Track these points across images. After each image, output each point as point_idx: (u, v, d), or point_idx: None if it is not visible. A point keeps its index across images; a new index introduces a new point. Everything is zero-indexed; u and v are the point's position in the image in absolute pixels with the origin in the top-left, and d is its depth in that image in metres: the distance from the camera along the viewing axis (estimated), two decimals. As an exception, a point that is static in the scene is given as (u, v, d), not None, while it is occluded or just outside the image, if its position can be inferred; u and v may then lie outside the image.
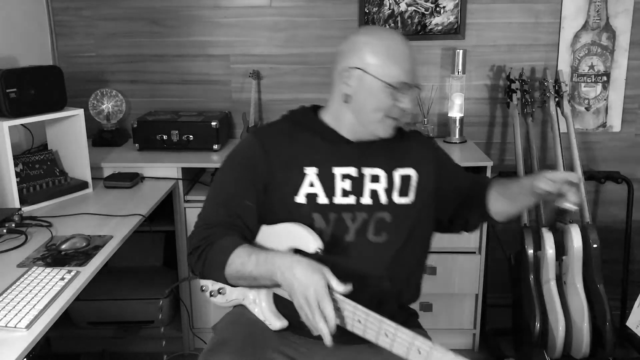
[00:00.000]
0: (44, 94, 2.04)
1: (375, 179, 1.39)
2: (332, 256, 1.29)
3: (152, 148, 2.54)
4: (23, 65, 2.24)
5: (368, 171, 1.39)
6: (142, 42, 2.75)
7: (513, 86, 2.59)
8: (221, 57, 2.76)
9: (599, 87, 2.71)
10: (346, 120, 1.39)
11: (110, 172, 2.33)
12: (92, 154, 2.29)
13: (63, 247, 1.66)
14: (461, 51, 2.60)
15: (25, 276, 1.48)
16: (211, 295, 1.53)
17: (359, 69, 1.33)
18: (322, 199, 1.35)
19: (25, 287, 1.42)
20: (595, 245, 2.37)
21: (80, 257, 1.62)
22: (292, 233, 1.33)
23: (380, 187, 1.39)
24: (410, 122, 2.77)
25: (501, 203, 1.44)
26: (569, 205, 1.24)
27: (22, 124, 2.13)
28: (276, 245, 1.33)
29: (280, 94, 2.76)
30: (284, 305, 1.41)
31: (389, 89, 1.31)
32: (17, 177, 1.98)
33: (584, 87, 2.72)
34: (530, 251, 2.43)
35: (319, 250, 1.28)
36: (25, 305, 1.34)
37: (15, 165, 2.01)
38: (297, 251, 1.30)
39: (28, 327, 1.26)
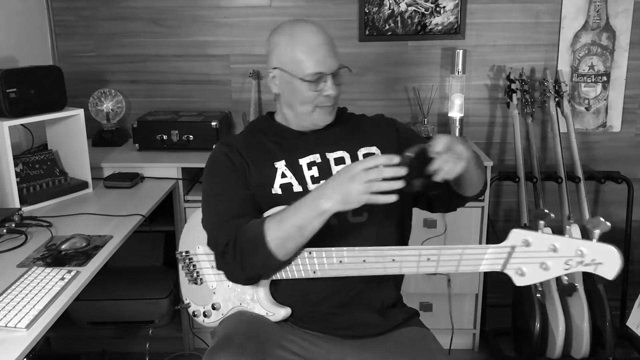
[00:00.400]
0: (44, 94, 2.04)
1: (340, 161, 1.43)
2: (317, 241, 1.28)
3: (152, 148, 2.54)
4: (23, 65, 2.24)
5: (331, 155, 1.44)
6: (142, 42, 2.75)
7: (513, 86, 2.59)
8: (221, 57, 2.76)
9: (599, 87, 2.71)
10: (289, 116, 1.46)
11: (110, 172, 2.34)
12: (92, 154, 2.29)
13: (63, 247, 1.66)
14: (461, 51, 2.60)
15: (25, 276, 1.48)
16: (205, 316, 1.53)
17: (277, 68, 1.40)
18: (297, 187, 1.40)
19: (25, 287, 1.42)
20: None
21: (80, 257, 1.62)
22: None
23: None
24: (411, 122, 2.78)
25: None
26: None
27: (22, 124, 2.13)
28: None
29: (280, 94, 2.76)
30: (281, 295, 1.43)
31: (306, 82, 1.36)
32: (17, 177, 1.98)
33: (584, 87, 2.72)
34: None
35: None
36: (25, 305, 1.34)
37: (15, 165, 2.01)
38: None
39: (28, 327, 1.26)
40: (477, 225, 2.41)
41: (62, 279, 1.47)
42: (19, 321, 1.27)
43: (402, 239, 1.52)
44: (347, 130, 1.49)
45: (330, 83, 1.38)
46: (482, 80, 2.74)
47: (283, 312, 1.42)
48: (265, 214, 1.34)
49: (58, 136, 2.24)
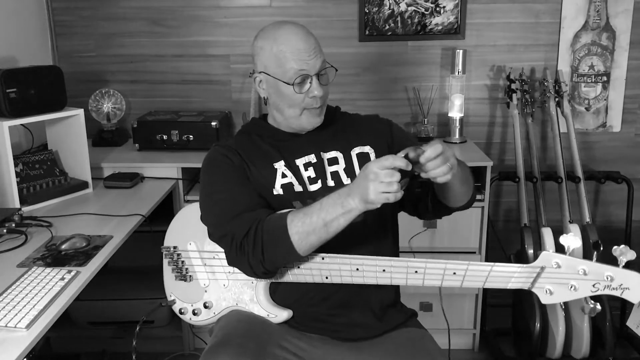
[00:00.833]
0: (44, 94, 2.04)
1: (333, 161, 1.44)
2: None
3: (152, 148, 2.54)
4: (23, 65, 2.24)
5: (326, 155, 1.44)
6: (142, 42, 2.75)
7: (513, 86, 2.59)
8: (221, 57, 2.76)
9: (599, 87, 2.71)
10: (278, 119, 1.46)
11: (110, 172, 2.34)
12: (92, 154, 2.29)
13: (63, 247, 1.66)
14: (461, 51, 2.60)
15: (25, 276, 1.48)
16: (194, 314, 1.51)
17: (263, 72, 1.40)
18: (298, 187, 1.40)
19: (25, 287, 1.42)
20: (599, 243, 2.36)
21: (80, 257, 1.62)
22: None
23: (340, 168, 1.43)
24: (411, 122, 2.78)
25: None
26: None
27: (22, 124, 2.13)
28: None
29: (280, 94, 2.76)
30: (280, 297, 1.43)
31: (290, 85, 1.36)
32: (17, 177, 1.98)
33: (584, 87, 2.72)
34: (530, 251, 2.43)
35: None
36: (25, 305, 1.34)
37: (15, 165, 2.01)
38: None
39: (28, 327, 1.26)
40: (477, 225, 2.41)
41: (62, 279, 1.47)
42: (19, 321, 1.27)
43: (394, 241, 1.53)
44: (341, 130, 1.49)
45: (315, 84, 1.37)
46: (482, 80, 2.74)
47: (285, 314, 1.42)
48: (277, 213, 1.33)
49: (58, 136, 2.24)
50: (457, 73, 2.63)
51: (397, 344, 1.40)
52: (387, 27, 2.67)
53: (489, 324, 2.64)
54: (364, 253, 1.33)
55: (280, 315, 1.42)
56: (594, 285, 1.17)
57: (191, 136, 2.51)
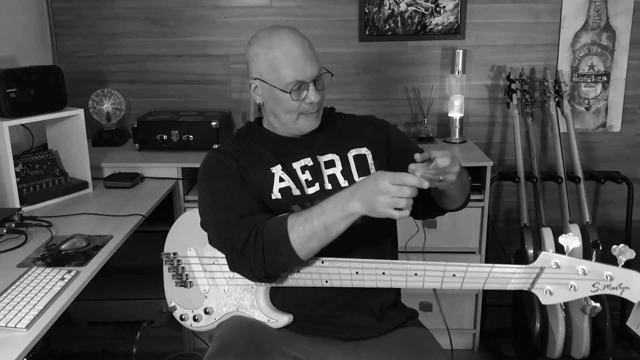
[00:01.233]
0: (44, 94, 2.04)
1: (330, 164, 1.44)
2: None
3: (152, 148, 2.54)
4: (23, 65, 2.24)
5: (322, 158, 1.44)
6: (142, 42, 2.75)
7: (513, 86, 2.59)
8: (221, 57, 2.76)
9: (599, 87, 2.71)
10: (275, 124, 1.46)
11: (110, 172, 2.33)
12: (92, 154, 2.29)
13: (63, 247, 1.66)
14: (461, 51, 2.60)
15: (25, 276, 1.48)
16: (194, 320, 1.51)
17: (258, 79, 1.40)
18: (296, 191, 1.39)
19: (25, 287, 1.42)
20: (598, 243, 2.36)
21: (80, 257, 1.62)
22: None
23: (337, 170, 1.43)
24: (411, 122, 2.78)
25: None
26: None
27: (22, 124, 2.13)
28: None
29: (280, 94, 2.76)
30: (280, 300, 1.43)
31: (287, 93, 1.35)
32: (17, 177, 1.98)
33: (584, 87, 2.72)
34: (530, 251, 2.43)
35: None
36: (25, 305, 1.34)
37: (15, 165, 2.01)
38: None
39: (28, 327, 1.26)
40: (477, 225, 2.41)
41: (62, 279, 1.47)
42: (19, 321, 1.27)
43: (393, 242, 1.54)
44: (337, 132, 1.48)
45: (312, 90, 1.36)
46: (482, 80, 2.74)
47: (285, 319, 1.41)
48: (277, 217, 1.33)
49: (58, 136, 2.24)
50: (457, 73, 2.63)
51: (399, 344, 1.40)
52: (387, 27, 2.67)
53: (489, 324, 2.64)
54: (364, 256, 1.33)
55: (280, 320, 1.42)
56: (593, 285, 1.17)
57: (191, 136, 2.51)
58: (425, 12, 2.65)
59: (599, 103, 2.73)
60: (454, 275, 1.24)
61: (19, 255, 1.64)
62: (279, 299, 1.43)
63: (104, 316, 2.55)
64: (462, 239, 2.42)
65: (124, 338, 2.55)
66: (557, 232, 2.43)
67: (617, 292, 1.16)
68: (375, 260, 1.29)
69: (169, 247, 1.57)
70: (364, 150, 1.46)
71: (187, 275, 1.52)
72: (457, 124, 2.65)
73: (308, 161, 1.43)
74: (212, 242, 1.40)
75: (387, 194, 1.15)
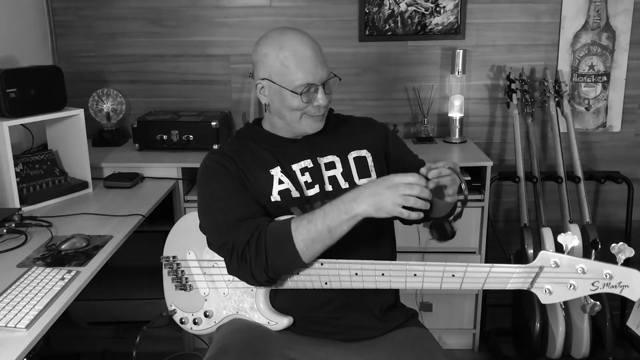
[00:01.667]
0: (44, 94, 2.04)
1: (330, 165, 1.44)
2: None
3: (152, 148, 2.54)
4: (23, 65, 2.24)
5: (322, 160, 1.44)
6: (142, 42, 2.75)
7: (513, 86, 2.59)
8: (221, 57, 2.76)
9: (599, 87, 2.72)
10: (278, 125, 1.45)
11: (110, 172, 2.34)
12: (92, 154, 2.29)
13: (63, 247, 1.66)
14: (461, 51, 2.60)
15: (25, 276, 1.48)
16: (195, 324, 1.51)
17: (266, 79, 1.39)
18: (295, 193, 1.39)
19: (25, 287, 1.42)
20: (597, 241, 2.36)
21: (80, 257, 1.62)
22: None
23: (338, 172, 1.44)
24: (411, 122, 2.78)
25: None
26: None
27: (22, 124, 2.13)
28: None
29: (280, 94, 2.76)
30: (280, 302, 1.43)
31: (297, 95, 1.35)
32: (17, 177, 1.98)
33: (584, 87, 2.72)
34: (530, 251, 2.43)
35: None
36: (25, 305, 1.34)
37: (15, 165, 2.01)
38: None
39: (28, 327, 1.26)
40: (477, 225, 2.41)
41: (62, 279, 1.47)
42: (19, 321, 1.27)
43: (392, 242, 1.54)
44: (337, 135, 1.48)
45: (321, 94, 1.37)
46: (482, 80, 2.74)
47: (285, 322, 1.41)
48: (278, 219, 1.33)
49: (58, 136, 2.24)
50: (457, 73, 2.63)
51: (398, 344, 1.40)
52: (387, 27, 2.67)
53: (489, 324, 2.64)
54: (363, 257, 1.33)
55: (280, 322, 1.41)
56: (593, 284, 1.17)
57: (191, 136, 2.51)
58: (425, 12, 2.65)
59: (599, 103, 2.73)
60: (453, 275, 1.24)
61: (19, 255, 1.64)
62: (279, 301, 1.43)
63: (104, 316, 2.56)
64: (462, 239, 2.42)
65: (124, 338, 2.55)
66: (557, 232, 2.41)
67: (616, 291, 1.16)
68: (375, 261, 1.29)
69: (169, 250, 1.56)
70: (364, 153, 1.46)
71: (186, 278, 1.52)
72: (457, 124, 2.65)
73: (308, 163, 1.43)
74: (211, 245, 1.40)
75: (396, 191, 1.16)
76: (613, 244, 1.15)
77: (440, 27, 2.67)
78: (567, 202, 2.49)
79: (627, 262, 1.15)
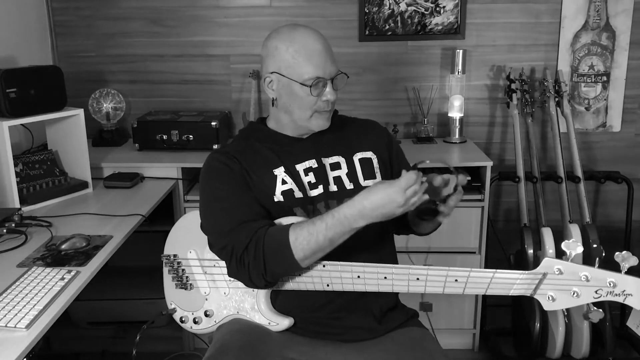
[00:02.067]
0: (44, 94, 2.04)
1: (335, 166, 1.44)
2: None
3: (152, 148, 2.54)
4: (23, 65, 2.24)
5: (327, 161, 1.44)
6: (142, 42, 2.75)
7: (513, 86, 2.59)
8: (221, 57, 2.76)
9: (599, 87, 2.71)
10: (284, 121, 1.45)
11: (110, 172, 2.34)
12: (92, 154, 2.29)
13: (63, 247, 1.66)
14: (461, 51, 2.60)
15: (25, 276, 1.48)
16: (195, 323, 1.51)
17: (275, 73, 1.39)
18: (298, 194, 1.39)
19: (25, 287, 1.42)
20: (595, 245, 2.36)
21: (80, 257, 1.62)
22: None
23: (343, 173, 1.44)
24: (411, 122, 2.78)
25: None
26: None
27: (22, 124, 2.13)
28: None
29: (280, 94, 2.76)
30: (280, 303, 1.43)
31: (306, 87, 1.35)
32: (17, 177, 1.98)
33: (584, 87, 2.72)
34: (530, 251, 2.43)
35: None
36: (25, 305, 1.34)
37: (15, 165, 2.01)
38: None
39: (28, 327, 1.26)
40: (477, 225, 2.41)
41: (62, 279, 1.47)
42: (19, 321, 1.27)
43: (392, 244, 1.54)
44: (342, 135, 1.49)
45: (329, 88, 1.38)
46: (482, 80, 2.74)
47: (286, 322, 1.41)
48: (278, 222, 1.33)
49: (58, 136, 2.24)
50: (457, 73, 2.63)
51: (398, 344, 1.40)
52: (387, 27, 2.67)
53: (489, 324, 2.64)
54: (365, 259, 1.33)
55: (281, 323, 1.41)
56: (596, 292, 1.17)
57: (191, 136, 2.51)
58: (425, 12, 2.65)
59: (598, 103, 2.73)
60: (456, 280, 1.24)
61: (19, 255, 1.64)
62: (280, 302, 1.43)
63: (104, 316, 2.55)
64: (462, 239, 2.42)
65: (124, 338, 2.55)
66: (557, 232, 2.44)
67: (619, 299, 1.16)
68: (377, 264, 1.30)
69: (169, 249, 1.56)
70: (369, 154, 1.47)
71: (187, 277, 1.52)
72: (457, 124, 2.65)
73: (312, 163, 1.43)
74: (212, 247, 1.40)
75: (407, 202, 1.20)
76: (617, 253, 1.15)
77: (440, 27, 2.67)
78: (567, 202, 2.49)
79: (631, 270, 1.15)
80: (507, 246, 2.63)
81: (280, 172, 1.40)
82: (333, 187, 1.42)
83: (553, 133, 2.60)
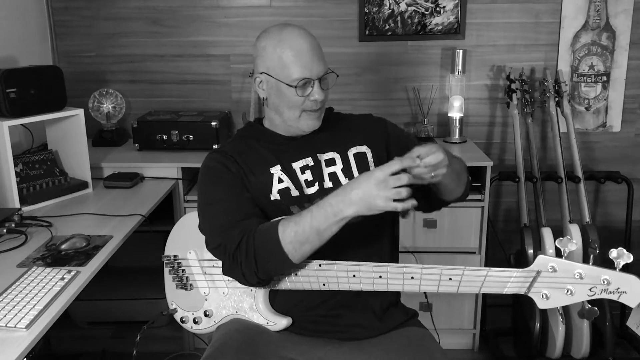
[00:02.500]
0: (44, 94, 2.04)
1: (330, 162, 1.44)
2: None
3: (152, 148, 2.54)
4: (23, 65, 2.24)
5: (323, 157, 1.44)
6: (142, 42, 2.75)
7: (513, 86, 2.59)
8: (221, 57, 2.76)
9: (599, 87, 2.72)
10: (276, 121, 1.46)
11: (110, 172, 2.34)
12: (92, 154, 2.29)
13: (63, 247, 1.66)
14: (461, 51, 2.60)
15: (25, 276, 1.48)
16: (195, 323, 1.52)
17: (264, 73, 1.40)
18: (294, 192, 1.39)
19: (25, 287, 1.42)
20: (596, 247, 2.36)
21: (80, 257, 1.62)
22: None
23: (338, 169, 1.44)
24: (411, 122, 2.78)
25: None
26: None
27: (22, 124, 2.13)
28: None
29: (280, 94, 2.76)
30: (279, 302, 1.43)
31: (292, 88, 1.36)
32: (17, 177, 1.98)
33: (584, 87, 2.72)
34: (530, 251, 2.43)
35: None
36: (25, 305, 1.34)
37: (15, 165, 2.01)
38: None
39: (28, 327, 1.26)
40: (477, 225, 2.41)
41: (62, 279, 1.47)
42: (19, 321, 1.27)
43: (394, 242, 1.53)
44: (337, 131, 1.49)
45: (317, 88, 1.37)
46: (482, 80, 2.74)
47: (284, 322, 1.41)
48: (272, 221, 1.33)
49: (58, 136, 2.24)
50: (457, 73, 2.63)
51: (398, 343, 1.40)
52: (387, 27, 2.67)
53: (489, 324, 2.64)
54: (362, 257, 1.33)
55: (279, 323, 1.42)
56: (590, 289, 1.16)
57: (191, 136, 2.51)
58: (425, 12, 2.65)
59: (599, 103, 2.73)
60: (450, 278, 1.24)
61: (19, 255, 1.64)
62: (279, 302, 1.43)
63: (104, 316, 2.56)
64: (462, 239, 2.42)
65: (124, 338, 2.55)
66: (557, 232, 2.44)
67: (614, 297, 1.15)
68: (373, 263, 1.30)
69: (170, 249, 1.57)
70: (363, 148, 1.46)
71: (187, 277, 1.52)
72: (457, 124, 2.65)
73: (309, 161, 1.43)
74: (208, 245, 1.40)
75: (386, 187, 1.15)
76: (612, 249, 1.15)
77: (440, 27, 2.67)
78: (567, 202, 2.49)
79: (627, 268, 1.14)
80: (507, 246, 2.63)
81: (276, 171, 1.41)
82: (328, 184, 1.42)
83: (553, 133, 2.60)
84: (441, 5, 2.64)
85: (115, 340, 2.57)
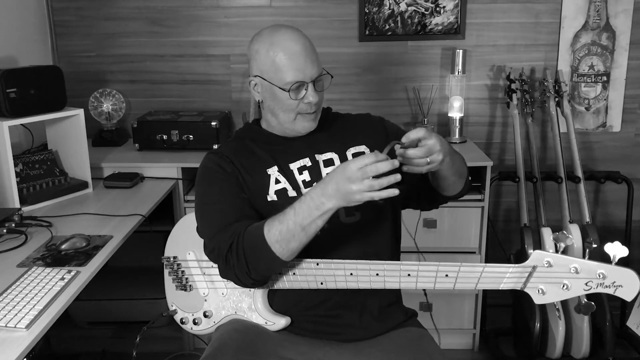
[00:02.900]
0: (44, 94, 2.04)
1: (329, 162, 1.43)
2: (311, 243, 1.27)
3: (152, 148, 2.54)
4: (23, 65, 2.24)
5: (321, 157, 1.43)
6: (142, 42, 2.75)
7: (513, 86, 2.59)
8: (221, 57, 2.76)
9: (599, 87, 2.72)
10: (272, 123, 1.46)
11: (110, 172, 2.34)
12: (92, 154, 2.29)
13: (63, 247, 1.66)
14: (461, 51, 2.60)
15: (25, 276, 1.48)
16: (194, 324, 1.52)
17: (258, 76, 1.40)
18: (292, 193, 1.39)
19: (25, 287, 1.42)
20: (595, 246, 2.36)
21: (80, 257, 1.62)
22: None
23: None
24: (411, 122, 2.78)
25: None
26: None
27: (22, 124, 2.13)
28: None
29: (280, 94, 2.76)
30: (277, 302, 1.43)
31: (286, 92, 1.35)
32: (17, 177, 1.98)
33: (584, 87, 2.72)
34: (530, 251, 2.41)
35: None
36: (25, 305, 1.34)
37: (15, 165, 2.01)
38: None
39: (28, 327, 1.26)
40: (477, 225, 2.41)
41: (62, 279, 1.47)
42: (19, 321, 1.27)
43: (395, 240, 1.52)
44: (335, 132, 1.48)
45: (311, 90, 1.36)
46: (482, 80, 2.74)
47: (283, 322, 1.41)
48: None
49: (58, 136, 2.24)
50: (457, 73, 2.63)
51: (397, 344, 1.40)
52: (387, 27, 2.67)
53: (489, 324, 2.64)
54: (361, 254, 1.33)
55: (278, 322, 1.42)
56: (586, 284, 1.16)
57: (191, 136, 2.51)
58: (425, 12, 2.65)
59: (599, 103, 2.73)
60: (446, 275, 1.24)
61: (19, 255, 1.64)
62: (278, 301, 1.43)
63: (104, 316, 2.56)
64: (462, 239, 2.42)
65: (124, 338, 2.55)
66: (557, 232, 2.44)
67: (610, 291, 1.15)
68: (369, 261, 1.29)
69: (169, 250, 1.57)
70: (362, 148, 1.46)
71: (186, 279, 1.52)
72: (457, 124, 2.65)
73: (306, 161, 1.43)
74: (205, 248, 1.41)
75: (358, 179, 1.13)
76: (607, 244, 1.14)
77: (440, 27, 2.67)
78: (567, 202, 2.49)
79: (626, 262, 1.14)
80: (507, 246, 2.63)
81: (273, 172, 1.41)
82: None
83: (553, 133, 2.60)
84: (441, 5, 2.64)
85: (115, 340, 2.57)
